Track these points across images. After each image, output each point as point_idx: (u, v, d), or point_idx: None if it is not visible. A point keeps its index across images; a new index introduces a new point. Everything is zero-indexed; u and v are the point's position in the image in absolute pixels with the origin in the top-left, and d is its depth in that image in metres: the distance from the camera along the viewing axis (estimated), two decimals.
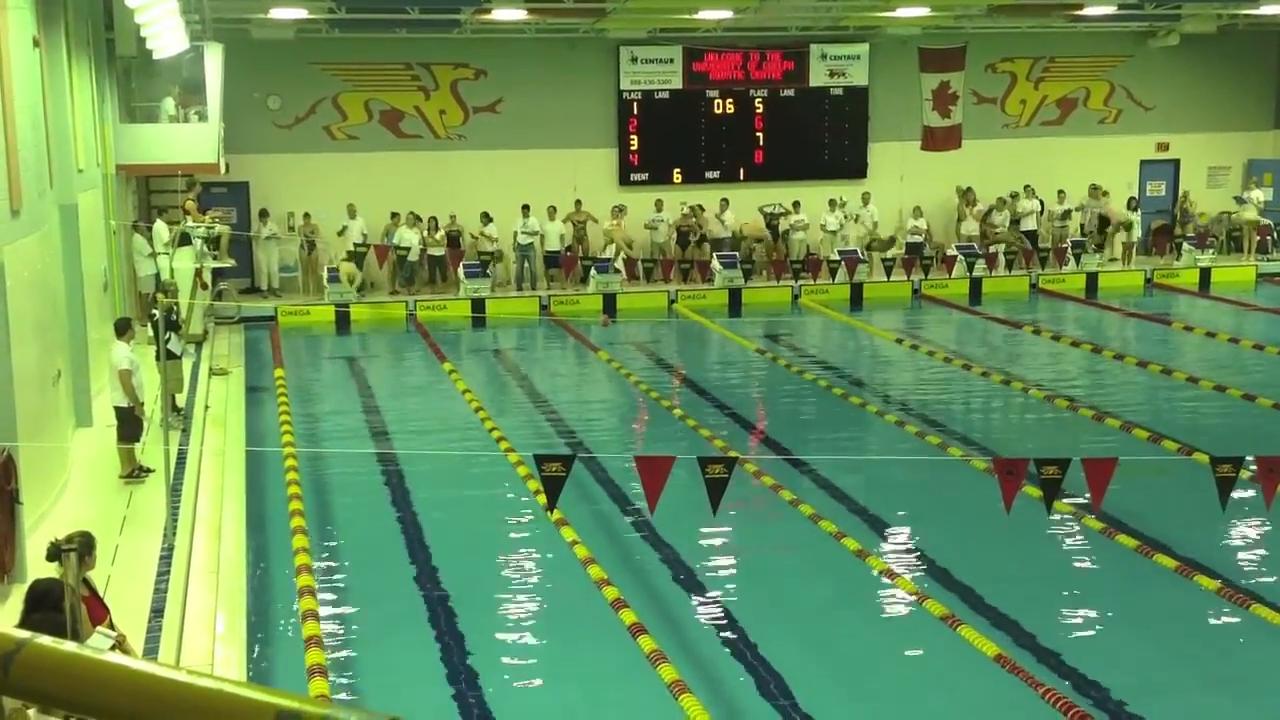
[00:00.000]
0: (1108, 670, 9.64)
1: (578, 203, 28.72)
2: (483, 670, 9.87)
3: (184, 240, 22.36)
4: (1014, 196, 30.84)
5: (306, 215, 27.31)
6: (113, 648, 7.11)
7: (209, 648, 9.77)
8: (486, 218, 27.92)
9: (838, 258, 28.60)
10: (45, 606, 7.18)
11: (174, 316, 16.24)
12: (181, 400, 17.09)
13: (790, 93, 30.56)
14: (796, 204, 29.71)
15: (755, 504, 13.73)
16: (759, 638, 10.37)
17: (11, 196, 12.16)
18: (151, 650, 9.30)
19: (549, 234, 28.37)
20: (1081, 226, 31.09)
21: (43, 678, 1.45)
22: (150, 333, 16.71)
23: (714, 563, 12.31)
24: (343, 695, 9.33)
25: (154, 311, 15.98)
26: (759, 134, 30.52)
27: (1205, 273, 29.82)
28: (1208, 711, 9.37)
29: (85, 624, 7.17)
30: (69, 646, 1.49)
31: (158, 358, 15.33)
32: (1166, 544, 12.05)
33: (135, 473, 13.92)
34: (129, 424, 13.98)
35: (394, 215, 27.68)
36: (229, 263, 25.29)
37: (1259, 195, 31.59)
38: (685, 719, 8.35)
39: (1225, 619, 10.72)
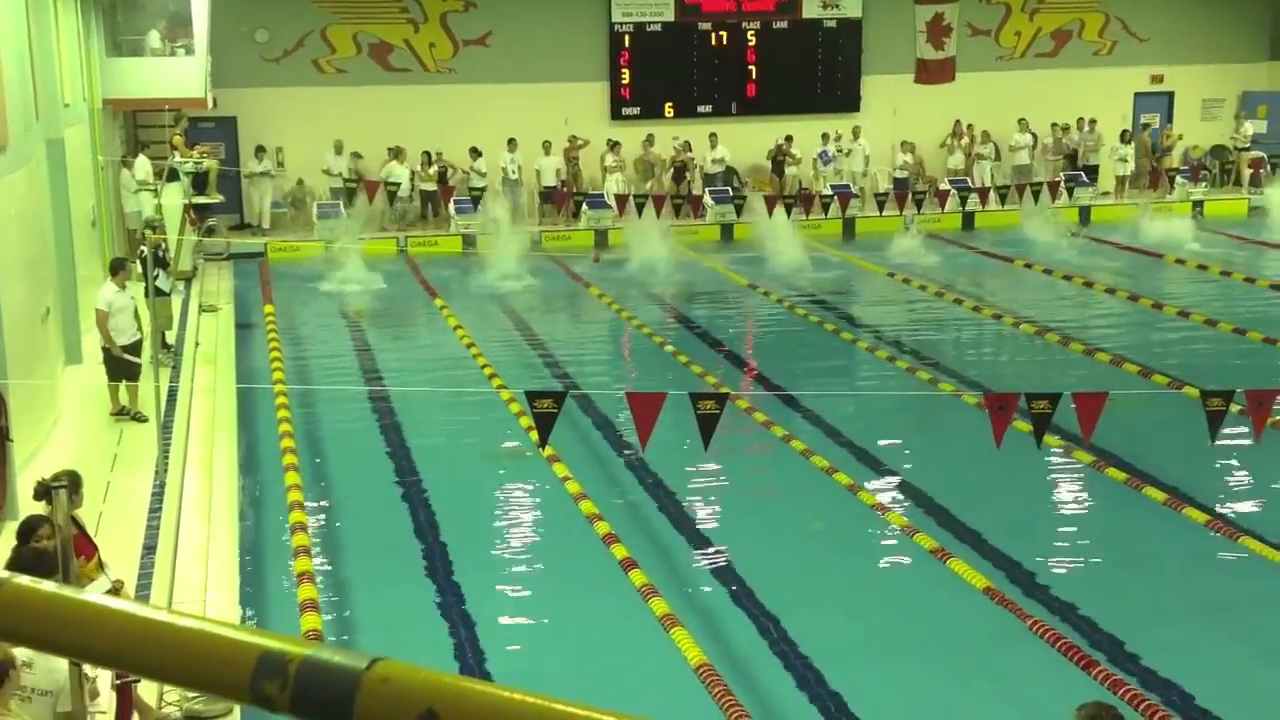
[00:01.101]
0: (1096, 602, 9.71)
1: (572, 138, 28.50)
2: (473, 605, 9.92)
3: (172, 176, 22.20)
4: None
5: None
6: (108, 593, 7.12)
7: (201, 584, 9.81)
8: (475, 153, 27.70)
9: (830, 192, 28.47)
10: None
11: (162, 253, 16.15)
12: (171, 337, 17.05)
13: (783, 25, 30.26)
14: (789, 138, 29.52)
15: (747, 440, 13.75)
16: (750, 572, 10.42)
17: None
18: (144, 587, 9.33)
19: (545, 169, 28.18)
20: (1075, 159, 30.95)
21: (20, 618, 1.44)
22: (139, 269, 16.62)
23: (705, 498, 12.35)
24: (332, 627, 9.38)
25: (142, 248, 15.91)
26: (751, 67, 30.25)
27: (1197, 206, 29.71)
28: (1196, 642, 9.43)
29: (74, 562, 7.18)
30: (48, 586, 1.47)
31: (146, 294, 15.28)
32: (1156, 477, 12.11)
33: (124, 411, 13.92)
34: (108, 364, 13.98)
35: (380, 154, 27.43)
36: (216, 198, 25.11)
37: (1249, 128, 31.47)
38: (677, 652, 8.41)
39: (1213, 551, 10.78)
